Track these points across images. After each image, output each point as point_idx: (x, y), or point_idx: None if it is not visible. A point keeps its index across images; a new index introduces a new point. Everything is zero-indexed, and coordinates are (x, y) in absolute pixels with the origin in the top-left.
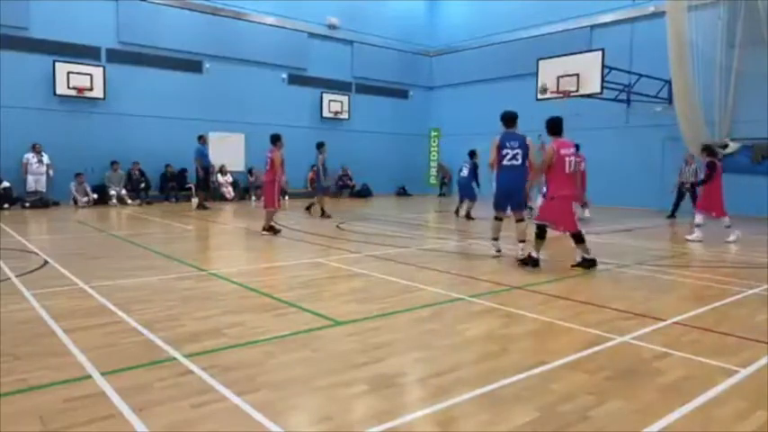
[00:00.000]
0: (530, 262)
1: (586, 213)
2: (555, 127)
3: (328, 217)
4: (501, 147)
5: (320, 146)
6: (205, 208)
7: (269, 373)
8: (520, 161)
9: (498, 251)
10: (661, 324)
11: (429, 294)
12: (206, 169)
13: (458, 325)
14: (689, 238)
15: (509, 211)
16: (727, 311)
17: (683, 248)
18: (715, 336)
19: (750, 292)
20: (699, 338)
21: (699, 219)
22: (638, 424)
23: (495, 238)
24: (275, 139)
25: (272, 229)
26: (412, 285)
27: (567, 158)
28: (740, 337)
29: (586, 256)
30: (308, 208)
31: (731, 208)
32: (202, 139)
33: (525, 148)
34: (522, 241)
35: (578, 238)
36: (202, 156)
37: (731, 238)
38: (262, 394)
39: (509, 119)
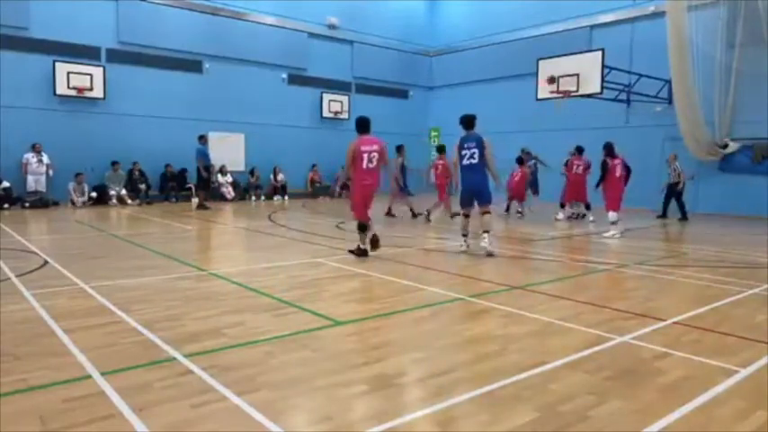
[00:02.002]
0: (358, 252)
1: (590, 217)
2: (359, 126)
3: (393, 216)
4: (460, 148)
5: (399, 149)
6: (206, 208)
7: (269, 373)
8: (477, 159)
9: (467, 246)
10: (661, 324)
11: (429, 294)
12: (208, 169)
13: (458, 325)
14: (606, 235)
15: (476, 207)
16: (727, 311)
17: (683, 248)
18: (715, 336)
19: (750, 292)
20: (699, 338)
21: (612, 216)
22: (638, 424)
23: (465, 234)
24: (443, 149)
25: (428, 215)
26: (412, 285)
27: (365, 154)
28: (740, 337)
29: (362, 245)
30: (389, 213)
31: (732, 208)
32: (203, 139)
33: (481, 147)
34: (487, 231)
35: (361, 228)
36: (204, 155)
37: (609, 233)
38: (262, 394)
39: (467, 121)
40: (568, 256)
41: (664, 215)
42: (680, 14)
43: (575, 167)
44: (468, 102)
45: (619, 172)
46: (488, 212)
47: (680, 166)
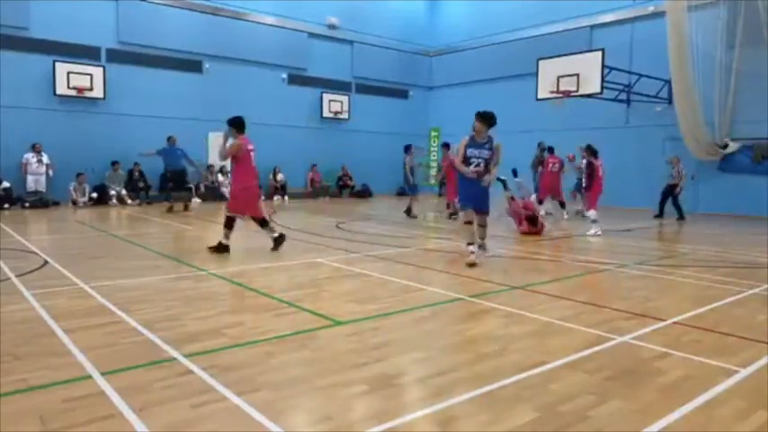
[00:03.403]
0: (221, 249)
1: (565, 215)
2: (239, 125)
3: (414, 217)
4: (467, 147)
5: (408, 148)
6: (171, 210)
7: (269, 373)
8: (482, 168)
9: (472, 253)
10: (661, 324)
11: (429, 294)
12: (169, 171)
13: (458, 325)
14: (589, 233)
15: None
16: (727, 311)
17: (683, 248)
18: (715, 336)
19: (750, 292)
20: (699, 338)
21: (592, 215)
22: (638, 424)
23: (471, 243)
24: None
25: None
26: (412, 285)
27: (252, 153)
28: (740, 337)
29: (273, 235)
30: (407, 211)
31: (732, 208)
32: (170, 140)
33: (489, 156)
34: (482, 242)
35: (263, 223)
36: (165, 156)
37: (591, 231)
38: (262, 394)
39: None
40: (568, 256)
41: (660, 215)
42: (680, 14)
43: (550, 165)
44: (468, 102)
45: (601, 171)
46: (484, 223)
47: (683, 169)
